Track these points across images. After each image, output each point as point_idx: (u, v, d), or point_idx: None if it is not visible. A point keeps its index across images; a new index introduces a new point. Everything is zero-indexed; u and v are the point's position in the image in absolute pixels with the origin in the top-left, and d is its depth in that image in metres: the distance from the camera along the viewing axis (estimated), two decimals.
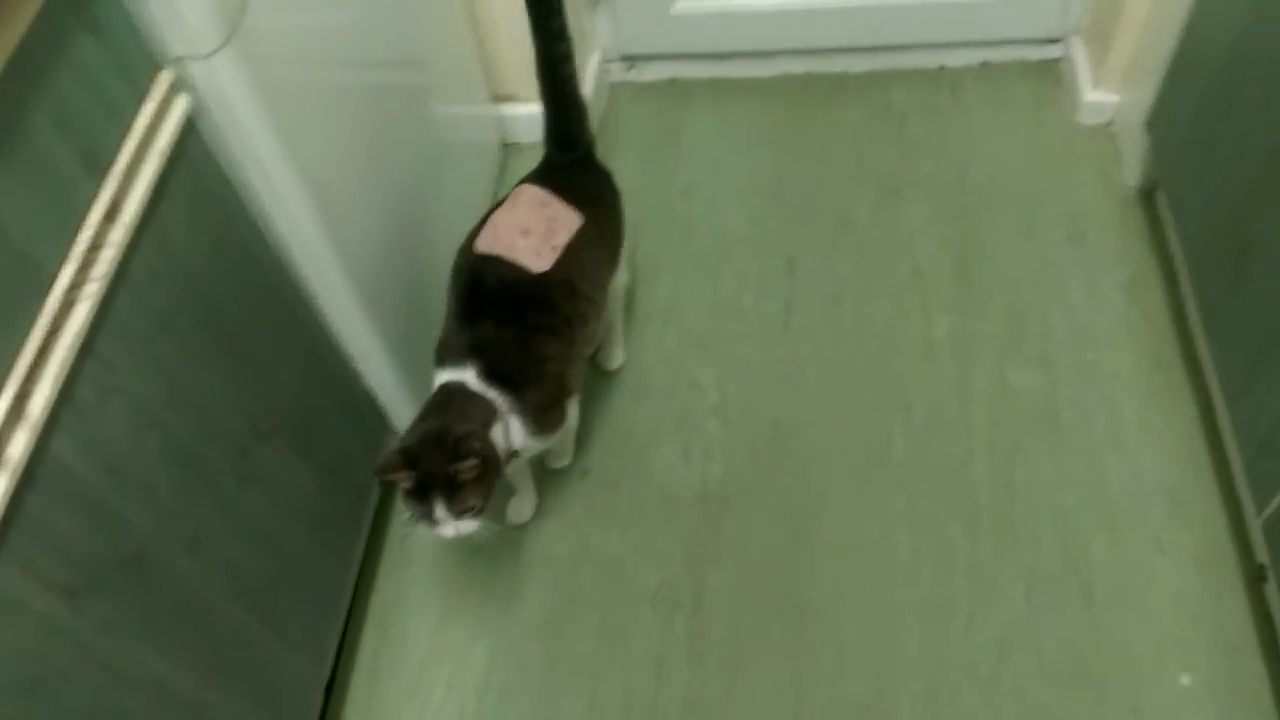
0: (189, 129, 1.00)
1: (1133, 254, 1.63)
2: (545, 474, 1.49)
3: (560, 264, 1.23)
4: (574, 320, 1.27)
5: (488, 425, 1.15)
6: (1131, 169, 1.71)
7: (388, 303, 1.34)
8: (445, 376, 1.19)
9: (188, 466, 0.99)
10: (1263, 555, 1.24)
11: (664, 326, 1.65)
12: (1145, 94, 1.60)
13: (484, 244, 1.24)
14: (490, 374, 1.17)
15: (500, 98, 1.90)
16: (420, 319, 1.41)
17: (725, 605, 1.36)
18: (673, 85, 2.02)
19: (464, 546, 1.45)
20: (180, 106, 0.98)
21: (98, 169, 0.89)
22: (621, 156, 1.89)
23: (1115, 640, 1.26)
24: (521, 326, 1.21)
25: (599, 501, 1.47)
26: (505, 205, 1.29)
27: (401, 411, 1.42)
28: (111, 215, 0.90)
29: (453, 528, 1.12)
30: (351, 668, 1.36)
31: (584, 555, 1.43)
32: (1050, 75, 1.91)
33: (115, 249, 0.89)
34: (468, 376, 1.17)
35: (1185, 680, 1.23)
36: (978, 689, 1.25)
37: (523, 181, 1.34)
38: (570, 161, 1.37)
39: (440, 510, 1.10)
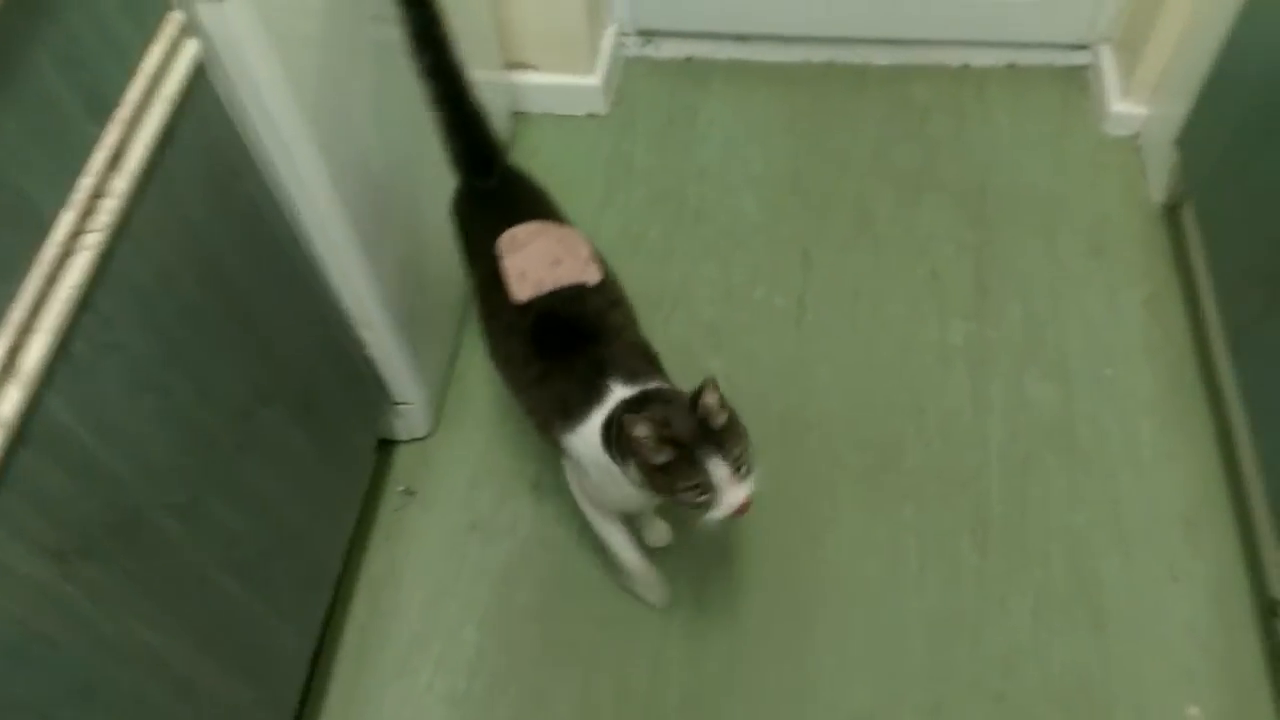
0: (198, 76, 0.94)
1: (1155, 271, 1.60)
2: (546, 454, 1.44)
3: (601, 269, 1.16)
4: (634, 318, 1.20)
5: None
6: (1157, 184, 1.68)
7: (390, 267, 1.29)
8: (597, 419, 1.06)
9: (185, 429, 0.94)
10: (1276, 590, 1.22)
11: (673, 312, 1.61)
12: (1176, 108, 1.56)
13: (525, 292, 1.12)
14: (632, 377, 1.07)
15: (513, 65, 1.84)
16: (418, 290, 1.35)
17: (726, 604, 1.32)
18: (689, 64, 1.97)
19: (460, 524, 1.41)
20: (190, 51, 0.93)
21: (102, 113, 0.84)
22: (634, 134, 1.84)
23: (1124, 666, 1.24)
24: (618, 334, 1.13)
25: None
26: (508, 255, 1.15)
27: (400, 381, 1.38)
28: (115, 163, 0.85)
29: (741, 490, 0.97)
30: (339, 642, 1.32)
31: (582, 541, 1.38)
32: (1077, 82, 1.88)
33: (118, 198, 0.84)
34: (620, 391, 1.06)
35: (1193, 711, 1.21)
36: (983, 706, 1.22)
37: (470, 222, 1.22)
38: (503, 182, 1.22)
39: (719, 468, 0.96)
